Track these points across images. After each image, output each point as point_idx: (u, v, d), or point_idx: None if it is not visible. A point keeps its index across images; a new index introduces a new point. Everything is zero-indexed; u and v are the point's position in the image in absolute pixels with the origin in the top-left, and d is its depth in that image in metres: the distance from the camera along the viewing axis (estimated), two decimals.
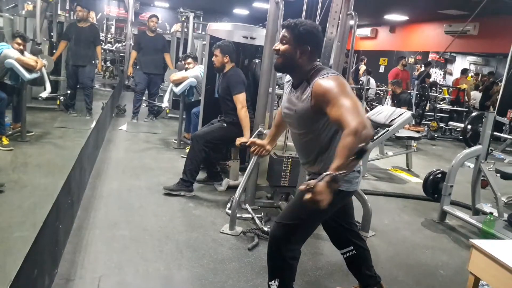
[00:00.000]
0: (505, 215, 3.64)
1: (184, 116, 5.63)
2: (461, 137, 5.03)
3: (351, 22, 3.49)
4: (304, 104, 1.83)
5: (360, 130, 1.56)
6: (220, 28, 4.54)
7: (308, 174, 2.17)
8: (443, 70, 15.61)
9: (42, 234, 2.04)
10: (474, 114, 4.06)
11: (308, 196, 1.52)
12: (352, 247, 2.21)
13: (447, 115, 9.34)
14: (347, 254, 2.23)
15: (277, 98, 4.90)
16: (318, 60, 1.94)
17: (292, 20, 1.89)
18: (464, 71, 9.59)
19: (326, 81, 1.75)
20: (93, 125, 5.84)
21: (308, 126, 1.91)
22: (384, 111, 5.58)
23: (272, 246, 2.00)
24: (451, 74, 16.16)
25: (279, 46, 1.91)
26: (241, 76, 3.89)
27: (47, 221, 2.14)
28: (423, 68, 11.37)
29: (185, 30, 7.91)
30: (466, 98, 9.30)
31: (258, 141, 2.38)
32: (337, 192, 1.88)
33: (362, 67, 11.38)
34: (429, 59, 14.80)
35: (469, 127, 4.05)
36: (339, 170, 1.54)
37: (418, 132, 6.37)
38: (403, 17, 12.26)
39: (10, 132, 5.04)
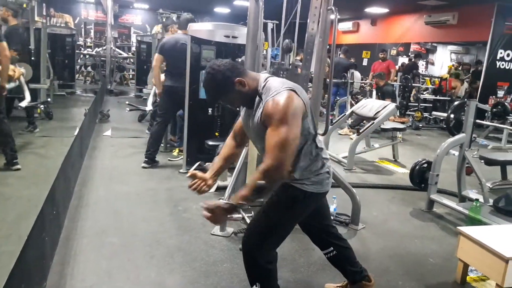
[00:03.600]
0: (491, 201, 3.69)
1: None
2: (445, 126, 5.09)
3: (332, 17, 3.49)
4: (258, 120, 1.81)
5: (271, 171, 1.69)
6: (201, 28, 4.51)
7: None
8: (425, 60, 15.79)
9: (28, 247, 2.00)
10: (456, 103, 4.11)
11: (205, 214, 1.75)
12: (332, 248, 2.23)
13: (431, 105, 9.45)
14: (329, 255, 2.25)
15: None
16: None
17: (205, 85, 1.85)
18: (457, 74, 9.69)
19: (274, 102, 1.71)
20: (76, 133, 5.78)
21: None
22: (369, 104, 5.62)
23: (246, 254, 2.00)
24: (433, 64, 16.37)
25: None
26: None
27: (32, 234, 2.10)
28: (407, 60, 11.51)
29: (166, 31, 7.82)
30: (453, 93, 9.39)
31: (199, 174, 2.01)
32: (308, 195, 1.92)
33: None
34: (411, 49, 14.98)
35: (452, 116, 4.10)
36: (241, 200, 1.75)
37: (403, 123, 6.43)
38: (384, 10, 12.36)
39: None
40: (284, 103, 1.70)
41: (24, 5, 6.33)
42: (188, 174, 2.04)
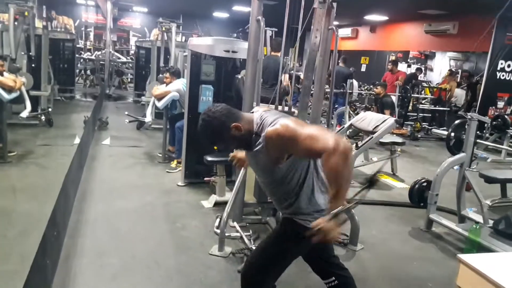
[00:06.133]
0: (490, 221, 3.70)
1: (168, 127, 5.58)
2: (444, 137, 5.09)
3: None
4: (262, 156, 1.80)
5: (336, 145, 1.57)
6: (201, 43, 4.51)
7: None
8: (423, 66, 15.83)
9: (31, 274, 2.00)
10: (457, 122, 4.11)
11: (317, 238, 1.64)
12: (334, 278, 2.22)
13: (429, 115, 9.46)
14: (330, 284, 2.24)
15: None
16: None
17: (200, 131, 1.85)
18: (453, 73, 9.75)
19: (276, 127, 1.72)
20: (76, 141, 5.79)
21: (272, 175, 1.88)
22: (368, 118, 5.62)
23: (244, 282, 2.00)
24: (431, 70, 16.42)
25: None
26: None
27: (36, 260, 2.10)
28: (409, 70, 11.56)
29: (165, 39, 7.84)
30: (448, 97, 9.43)
31: (239, 154, 2.26)
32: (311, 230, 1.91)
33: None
34: (410, 55, 15.03)
35: (452, 134, 4.10)
36: (337, 199, 1.63)
37: (401, 134, 6.43)
38: (383, 17, 12.39)
39: None
40: (285, 124, 1.71)
41: (26, 13, 6.33)
42: (230, 157, 2.28)
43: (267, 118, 1.82)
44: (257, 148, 1.81)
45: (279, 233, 2.00)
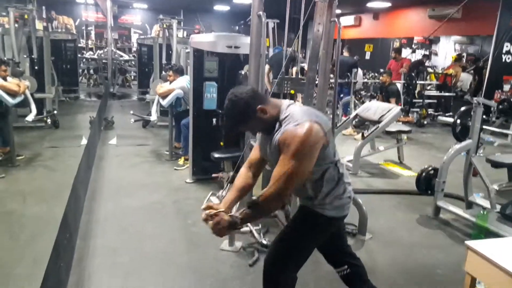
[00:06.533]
0: (498, 206, 3.70)
1: (173, 124, 5.61)
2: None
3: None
4: (275, 144, 1.80)
5: (270, 199, 1.74)
6: (203, 40, 4.51)
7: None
8: (428, 51, 15.68)
9: (45, 279, 2.04)
10: (462, 109, 4.09)
11: (210, 223, 1.82)
12: (346, 266, 2.25)
13: (435, 101, 9.40)
14: (342, 273, 2.26)
15: None
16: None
17: (226, 112, 1.87)
18: (459, 59, 9.66)
19: (293, 133, 1.71)
20: (83, 142, 5.84)
21: None
22: (373, 107, 5.62)
23: (267, 273, 2.02)
24: (436, 54, 16.26)
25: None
26: None
27: (49, 265, 2.14)
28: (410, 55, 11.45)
29: (166, 35, 7.83)
30: (454, 83, 9.35)
31: (215, 205, 1.93)
32: (329, 219, 1.94)
33: None
34: (414, 41, 14.88)
35: (458, 121, 4.08)
36: (243, 216, 1.79)
37: (407, 122, 6.41)
38: (386, 4, 12.27)
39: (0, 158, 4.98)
40: (302, 136, 1.69)
41: (26, 16, 6.36)
42: (203, 206, 1.95)
43: (294, 110, 1.81)
44: (275, 136, 1.81)
45: (299, 223, 2.03)
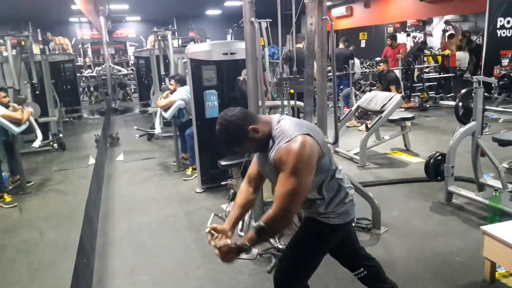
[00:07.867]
0: (510, 186, 3.69)
1: (178, 134, 5.63)
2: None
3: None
4: (272, 162, 1.80)
5: (277, 219, 1.74)
6: (199, 50, 4.52)
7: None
8: (422, 32, 15.58)
9: None
10: (463, 91, 4.07)
11: (216, 253, 1.83)
12: (362, 269, 2.25)
13: (435, 83, 9.36)
14: (359, 275, 2.27)
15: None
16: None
17: (219, 137, 1.85)
18: (451, 36, 9.59)
19: (287, 150, 1.71)
20: (90, 162, 5.88)
21: None
22: (374, 98, 5.61)
23: (277, 285, 2.04)
24: (431, 35, 16.15)
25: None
26: None
27: None
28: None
29: (162, 46, 7.87)
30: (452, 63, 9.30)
31: (219, 227, 1.92)
32: (334, 228, 1.96)
33: None
34: (408, 24, 14.79)
35: (460, 104, 4.07)
36: (248, 241, 1.79)
37: (410, 108, 6.39)
38: None
39: (10, 187, 5.02)
40: (297, 151, 1.69)
41: (22, 43, 6.41)
42: (207, 230, 1.91)
43: (285, 125, 1.81)
44: (270, 153, 1.82)
45: (305, 234, 2.04)
